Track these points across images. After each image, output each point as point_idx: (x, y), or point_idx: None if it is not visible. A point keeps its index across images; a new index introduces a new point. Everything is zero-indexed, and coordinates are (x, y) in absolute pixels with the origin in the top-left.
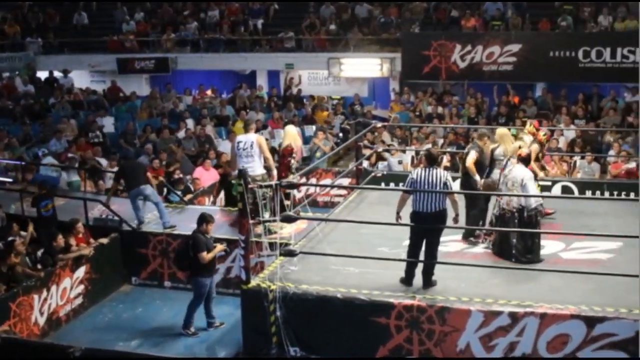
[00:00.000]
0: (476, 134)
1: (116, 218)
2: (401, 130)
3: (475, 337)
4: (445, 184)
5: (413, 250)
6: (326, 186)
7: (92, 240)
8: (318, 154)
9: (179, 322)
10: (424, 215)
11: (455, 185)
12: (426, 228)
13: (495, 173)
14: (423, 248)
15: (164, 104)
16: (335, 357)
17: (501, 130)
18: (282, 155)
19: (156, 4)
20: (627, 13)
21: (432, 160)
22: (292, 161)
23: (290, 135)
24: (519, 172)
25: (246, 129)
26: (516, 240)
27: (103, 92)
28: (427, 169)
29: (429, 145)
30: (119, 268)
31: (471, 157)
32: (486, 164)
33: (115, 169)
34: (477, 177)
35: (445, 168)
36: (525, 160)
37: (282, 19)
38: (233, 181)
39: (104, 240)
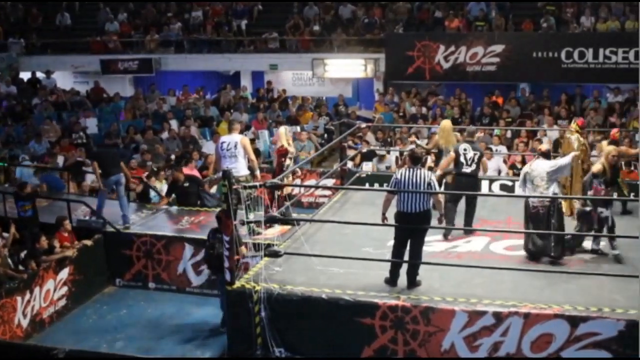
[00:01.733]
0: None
1: (100, 219)
2: (383, 133)
3: (460, 337)
4: (429, 184)
5: (397, 251)
6: (311, 187)
7: (76, 242)
8: (302, 156)
9: (163, 323)
10: (408, 215)
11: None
12: (410, 228)
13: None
14: (407, 248)
15: (147, 104)
16: (320, 358)
17: (445, 123)
18: (277, 156)
19: (139, 5)
20: (608, 14)
21: (415, 160)
22: (288, 161)
23: (282, 137)
24: (542, 166)
25: (230, 130)
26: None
27: (86, 92)
28: (411, 169)
29: (413, 146)
30: (103, 269)
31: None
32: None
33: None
34: None
35: (429, 168)
36: (545, 155)
37: (266, 19)
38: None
39: (88, 242)
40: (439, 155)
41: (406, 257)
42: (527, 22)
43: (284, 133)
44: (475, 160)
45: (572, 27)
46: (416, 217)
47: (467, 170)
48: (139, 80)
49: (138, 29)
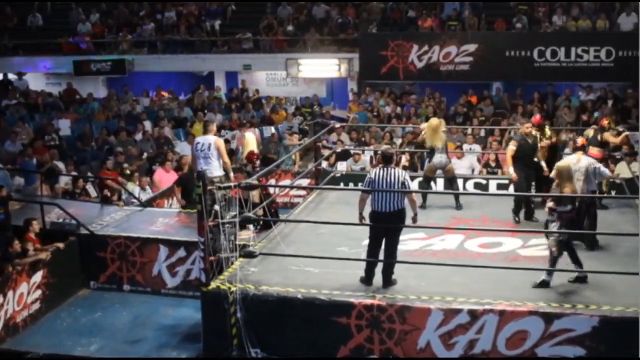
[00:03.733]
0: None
1: (73, 221)
2: (357, 133)
3: (435, 335)
4: (403, 183)
5: (373, 250)
6: (285, 187)
7: (39, 246)
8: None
9: (138, 325)
10: (382, 214)
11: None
12: (385, 227)
13: (437, 157)
14: (383, 247)
15: (121, 105)
16: (296, 358)
17: (432, 121)
18: (248, 161)
19: (112, 5)
20: (580, 13)
21: (388, 160)
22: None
23: (252, 142)
24: (584, 162)
25: (205, 130)
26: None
27: (59, 94)
28: (385, 169)
29: (387, 145)
30: (77, 272)
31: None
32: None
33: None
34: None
35: (404, 168)
36: (581, 149)
37: (239, 19)
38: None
39: (60, 245)
40: (432, 150)
41: (381, 256)
42: (500, 21)
43: (252, 139)
44: None
45: (544, 26)
46: (390, 216)
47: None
48: (112, 81)
49: (111, 29)
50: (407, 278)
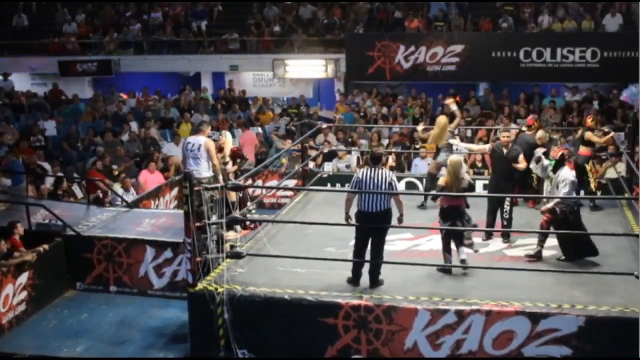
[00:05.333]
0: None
1: (59, 222)
2: (344, 133)
3: (422, 335)
4: (390, 183)
5: (359, 250)
6: (272, 188)
7: (24, 249)
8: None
9: (125, 326)
10: (368, 214)
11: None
12: (371, 227)
13: (441, 155)
14: (369, 247)
15: (107, 106)
16: (284, 359)
17: (442, 119)
18: (232, 158)
19: (98, 6)
20: (565, 14)
21: (376, 160)
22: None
23: (230, 141)
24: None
25: (197, 131)
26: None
27: (44, 95)
28: (372, 169)
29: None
30: (63, 273)
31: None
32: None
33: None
34: None
35: (391, 168)
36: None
37: (226, 20)
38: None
39: (46, 246)
40: (438, 149)
41: (368, 257)
42: (486, 22)
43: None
44: None
45: (530, 27)
46: (376, 216)
47: None
48: (98, 82)
49: (97, 30)
50: (394, 278)
